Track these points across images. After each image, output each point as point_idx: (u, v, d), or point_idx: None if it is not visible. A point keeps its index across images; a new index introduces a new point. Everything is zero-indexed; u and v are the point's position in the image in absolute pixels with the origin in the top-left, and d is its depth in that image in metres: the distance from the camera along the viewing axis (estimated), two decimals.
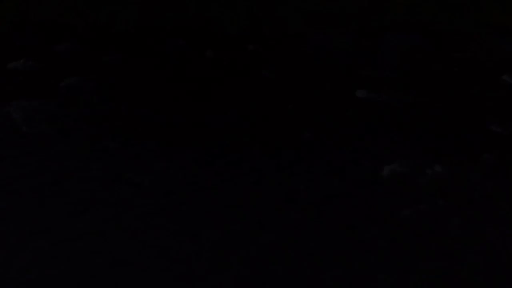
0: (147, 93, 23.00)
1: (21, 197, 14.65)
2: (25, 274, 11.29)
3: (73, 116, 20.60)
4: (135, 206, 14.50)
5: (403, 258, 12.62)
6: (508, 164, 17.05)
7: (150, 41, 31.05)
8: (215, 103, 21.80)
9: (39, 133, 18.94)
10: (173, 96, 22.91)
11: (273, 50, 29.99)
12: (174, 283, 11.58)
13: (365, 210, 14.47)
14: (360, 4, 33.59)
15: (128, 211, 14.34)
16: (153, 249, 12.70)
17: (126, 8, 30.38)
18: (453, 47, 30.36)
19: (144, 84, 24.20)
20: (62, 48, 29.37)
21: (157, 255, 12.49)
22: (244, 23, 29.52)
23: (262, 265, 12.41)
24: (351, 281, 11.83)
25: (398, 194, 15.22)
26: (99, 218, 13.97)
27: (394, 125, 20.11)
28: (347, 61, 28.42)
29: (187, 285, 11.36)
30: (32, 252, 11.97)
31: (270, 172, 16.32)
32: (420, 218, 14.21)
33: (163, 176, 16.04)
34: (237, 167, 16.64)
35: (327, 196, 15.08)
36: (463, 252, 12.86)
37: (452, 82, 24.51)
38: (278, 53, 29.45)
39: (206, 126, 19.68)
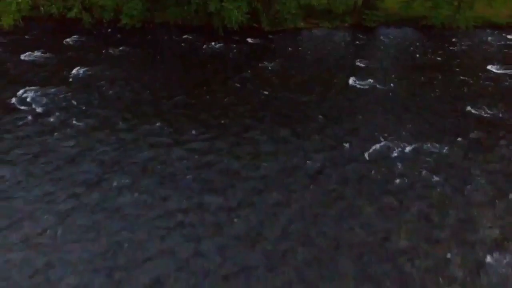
0: (151, 81, 24.48)
1: (37, 172, 16.17)
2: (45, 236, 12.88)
3: (84, 100, 22.09)
4: (141, 178, 16.03)
5: (388, 219, 14.15)
6: (486, 142, 18.54)
7: (155, 35, 32.51)
8: (216, 90, 23.29)
9: (54, 115, 20.46)
10: (176, 83, 24.38)
11: (271, 43, 31.47)
12: (183, 240, 13.15)
13: (353, 181, 15.97)
14: (355, 0, 35.02)
15: (134, 181, 15.87)
16: (162, 215, 14.22)
17: (132, 3, 31.80)
18: (444, 41, 31.81)
19: (148, 72, 25.65)
20: (71, 41, 30.86)
21: (164, 220, 14.05)
22: (244, 18, 31.00)
23: (258, 225, 13.96)
24: (338, 237, 13.36)
25: (385, 167, 16.72)
26: (110, 189, 15.51)
27: (384, 109, 21.58)
28: (342, 53, 29.89)
29: (193, 242, 12.93)
30: (52, 215, 13.55)
31: (267, 146, 17.83)
32: (403, 186, 15.73)
33: (168, 151, 17.55)
34: (237, 142, 18.15)
35: (320, 168, 16.59)
36: (442, 215, 14.41)
37: (442, 72, 25.95)
38: (276, 46, 30.93)
39: (206, 109, 21.18)
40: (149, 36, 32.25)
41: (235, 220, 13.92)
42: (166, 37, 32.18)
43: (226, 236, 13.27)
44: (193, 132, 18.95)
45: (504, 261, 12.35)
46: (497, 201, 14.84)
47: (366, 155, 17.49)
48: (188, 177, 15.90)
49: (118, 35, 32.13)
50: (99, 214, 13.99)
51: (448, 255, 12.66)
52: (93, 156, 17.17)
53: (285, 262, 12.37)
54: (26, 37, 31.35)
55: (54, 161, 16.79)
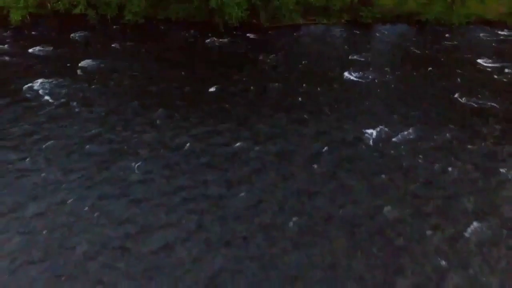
0: (154, 72, 25.58)
1: (50, 156, 17.29)
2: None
3: (90, 90, 23.21)
4: (148, 158, 17.15)
5: (377, 196, 15.27)
6: (471, 127, 19.65)
7: (157, 30, 33.62)
8: (217, 81, 24.37)
9: (62, 104, 21.57)
10: (179, 75, 25.45)
11: (270, 38, 32.57)
12: (187, 213, 14.27)
13: (346, 162, 17.07)
14: None
15: (141, 161, 17.00)
16: (168, 191, 15.33)
17: (135, 0, 32.90)
18: (437, 36, 32.90)
19: (151, 65, 26.76)
20: (77, 36, 31.98)
21: (171, 195, 15.16)
22: (244, 14, 32.11)
23: (257, 200, 15.08)
24: (330, 211, 14.47)
25: (377, 150, 17.83)
26: (119, 169, 16.64)
27: (377, 98, 22.68)
28: (339, 48, 31.01)
29: (197, 215, 14.05)
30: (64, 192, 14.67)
31: (266, 131, 18.95)
32: (393, 166, 16.83)
33: (172, 135, 18.67)
34: (237, 127, 19.28)
35: (315, 150, 17.69)
36: (428, 192, 15.54)
37: (434, 65, 27.04)
38: (274, 41, 32.03)
39: (208, 98, 22.30)
40: (152, 32, 33.35)
41: (235, 196, 15.02)
42: (168, 33, 33.28)
43: (227, 209, 14.37)
44: (196, 118, 20.07)
45: (482, 232, 13.44)
46: (478, 179, 15.94)
47: (359, 139, 18.61)
48: (192, 157, 17.01)
49: (122, 31, 33.22)
50: (108, 189, 15.10)
51: (433, 227, 13.75)
52: (102, 139, 18.29)
53: (281, 232, 13.47)
54: (33, 32, 32.46)
55: (65, 143, 17.92)
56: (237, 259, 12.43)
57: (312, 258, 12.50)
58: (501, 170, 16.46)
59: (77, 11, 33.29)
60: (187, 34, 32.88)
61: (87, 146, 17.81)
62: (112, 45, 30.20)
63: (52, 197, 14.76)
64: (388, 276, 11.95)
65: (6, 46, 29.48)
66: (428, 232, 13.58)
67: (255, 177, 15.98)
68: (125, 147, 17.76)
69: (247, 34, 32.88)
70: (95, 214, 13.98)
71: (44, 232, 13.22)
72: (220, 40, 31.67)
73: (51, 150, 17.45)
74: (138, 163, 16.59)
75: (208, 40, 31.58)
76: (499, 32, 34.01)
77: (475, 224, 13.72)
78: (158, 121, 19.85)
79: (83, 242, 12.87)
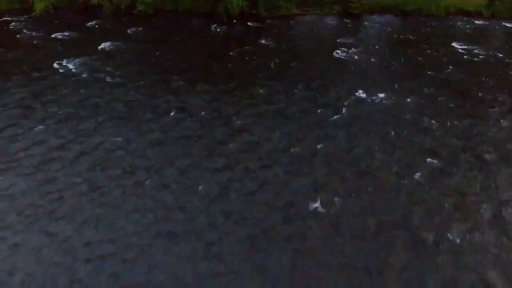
0: (165, 54, 29.08)
1: (86, 111, 20.81)
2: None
3: (108, 69, 26.61)
4: (157, 123, 20.65)
5: (354, 141, 18.71)
6: (439, 96, 23.15)
7: (166, 20, 37.16)
8: (220, 61, 27.89)
9: (89, 75, 25.09)
10: (186, 56, 28.97)
11: (268, 26, 36.09)
12: (199, 172, 17.63)
13: (330, 117, 20.53)
14: None
15: (149, 126, 20.48)
16: (179, 154, 18.80)
17: None
18: (419, 25, 36.45)
19: (162, 48, 30.23)
20: (94, 24, 35.52)
21: (183, 157, 18.61)
22: (244, 5, 35.72)
23: (253, 146, 18.52)
24: (315, 151, 17.92)
25: (354, 109, 21.30)
26: (140, 121, 20.13)
27: (362, 73, 26.16)
28: (330, 34, 34.55)
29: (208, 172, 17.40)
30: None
31: (263, 97, 22.49)
32: (372, 120, 20.33)
33: (182, 105, 22.20)
34: (239, 96, 22.80)
35: (304, 109, 21.20)
36: (398, 136, 18.99)
37: (413, 48, 30.54)
38: (272, 28, 35.54)
39: (213, 74, 25.85)
40: (161, 21, 36.91)
41: (239, 138, 18.51)
42: (176, 22, 36.82)
43: (233, 144, 17.87)
44: (204, 84, 23.59)
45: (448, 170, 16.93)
46: (436, 132, 19.44)
47: (339, 100, 22.13)
48: (203, 110, 20.54)
49: (134, 20, 36.75)
50: (121, 152, 18.43)
51: (397, 158, 17.19)
52: (119, 105, 21.80)
53: (274, 161, 16.94)
54: (55, 21, 35.99)
55: (96, 102, 21.48)
56: (241, 181, 15.89)
57: (299, 180, 15.97)
58: (454, 117, 19.97)
59: (94, 2, 36.85)
60: (192, 23, 36.43)
61: (113, 104, 21.37)
62: (126, 32, 33.73)
63: (93, 139, 18.28)
64: (352, 190, 15.41)
65: (33, 32, 32.99)
66: (391, 161, 17.03)
67: (255, 126, 19.49)
68: (137, 111, 21.27)
69: (247, 23, 36.42)
70: (131, 147, 17.50)
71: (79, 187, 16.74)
72: (223, 27, 35.23)
73: (87, 107, 21.03)
74: (146, 126, 19.92)
75: (212, 28, 35.13)
76: (476, 21, 37.58)
77: (429, 160, 17.21)
78: (166, 94, 23.28)
79: (125, 164, 16.38)
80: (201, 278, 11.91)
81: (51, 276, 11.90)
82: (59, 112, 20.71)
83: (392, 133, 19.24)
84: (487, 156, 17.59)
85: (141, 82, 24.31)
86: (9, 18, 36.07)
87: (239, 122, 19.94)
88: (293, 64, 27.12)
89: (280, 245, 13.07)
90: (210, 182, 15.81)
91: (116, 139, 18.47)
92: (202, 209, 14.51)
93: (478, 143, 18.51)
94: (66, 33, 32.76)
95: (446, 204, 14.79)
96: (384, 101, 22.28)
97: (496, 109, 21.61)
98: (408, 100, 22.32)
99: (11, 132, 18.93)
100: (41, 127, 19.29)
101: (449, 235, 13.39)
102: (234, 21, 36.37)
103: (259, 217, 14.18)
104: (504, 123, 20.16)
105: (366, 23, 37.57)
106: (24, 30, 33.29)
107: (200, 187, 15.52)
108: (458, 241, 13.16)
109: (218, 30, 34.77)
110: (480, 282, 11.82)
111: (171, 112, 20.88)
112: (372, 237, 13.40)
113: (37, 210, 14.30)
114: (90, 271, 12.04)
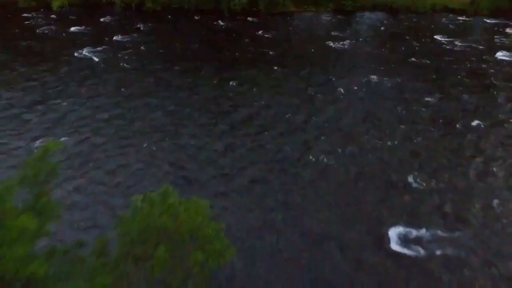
0: (172, 45, 32.11)
1: (109, 87, 23.75)
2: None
3: (123, 56, 29.61)
4: (169, 100, 23.63)
5: (340, 114, 21.66)
6: (420, 76, 26.16)
7: (173, 16, 40.22)
8: (224, 51, 30.91)
9: (106, 62, 28.07)
10: (192, 46, 32.01)
11: (267, 22, 39.15)
12: (213, 137, 20.51)
13: (322, 93, 23.52)
14: None
15: (163, 102, 23.44)
16: (192, 125, 21.72)
17: None
18: (405, 20, 39.55)
19: (170, 40, 33.26)
20: (106, 20, 38.57)
21: (195, 127, 21.48)
22: (245, 2, 38.89)
23: (254, 116, 21.45)
24: (306, 118, 20.85)
25: (343, 89, 24.30)
26: (155, 97, 23.07)
27: (353, 60, 29.18)
28: (324, 28, 37.60)
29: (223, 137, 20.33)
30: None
31: (263, 79, 25.52)
32: (360, 94, 23.30)
33: (191, 86, 25.18)
34: (242, 77, 25.82)
35: (302, 88, 24.20)
36: (384, 107, 21.90)
37: (399, 39, 33.58)
38: (271, 24, 38.60)
39: (217, 62, 28.85)
40: (168, 17, 39.98)
41: (242, 108, 21.49)
42: (182, 18, 39.89)
43: (237, 112, 20.83)
44: (207, 73, 26.59)
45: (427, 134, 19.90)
46: (412, 105, 22.42)
47: (334, 83, 25.10)
48: (211, 90, 23.53)
49: (143, 16, 39.82)
50: (139, 121, 21.45)
51: (381, 131, 20.11)
52: (136, 84, 24.78)
53: (273, 124, 19.89)
54: (71, 17, 39.04)
55: (115, 84, 24.45)
56: (243, 142, 18.83)
57: (292, 140, 18.92)
58: (428, 94, 22.96)
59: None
60: (198, 19, 39.49)
61: (131, 84, 24.36)
62: (137, 26, 36.77)
63: (121, 108, 21.25)
64: (337, 148, 18.34)
65: (52, 26, 36.01)
66: (372, 127, 19.96)
67: (254, 100, 22.49)
68: (159, 84, 24.28)
69: (248, 18, 39.51)
70: (148, 116, 20.46)
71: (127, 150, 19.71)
72: (226, 22, 38.30)
73: (108, 86, 24.02)
74: (168, 92, 23.01)
75: (216, 23, 38.21)
76: (459, 18, 40.71)
77: (403, 126, 20.19)
78: (181, 68, 26.29)
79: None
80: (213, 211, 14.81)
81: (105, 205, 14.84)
82: (87, 89, 23.73)
83: (375, 106, 22.21)
84: (452, 123, 20.56)
85: (153, 67, 27.31)
86: (29, 15, 39.10)
87: (240, 97, 22.94)
88: (289, 52, 30.19)
89: (276, 186, 15.97)
90: (216, 143, 18.73)
91: (137, 109, 21.46)
92: (211, 161, 17.45)
93: (446, 113, 21.50)
94: (82, 28, 35.78)
95: (413, 157, 17.75)
96: (370, 82, 25.26)
97: (463, 88, 24.62)
98: (391, 81, 25.32)
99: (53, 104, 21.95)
100: (74, 100, 22.33)
101: (413, 179, 16.32)
102: (236, 17, 39.45)
103: (259, 167, 17.07)
104: (468, 97, 23.18)
105: (357, 19, 40.69)
106: (44, 25, 36.30)
107: (208, 146, 18.47)
108: (421, 184, 16.08)
109: (221, 24, 37.83)
110: (439, 217, 14.73)
111: (181, 90, 23.89)
112: (352, 182, 16.31)
113: (89, 158, 17.22)
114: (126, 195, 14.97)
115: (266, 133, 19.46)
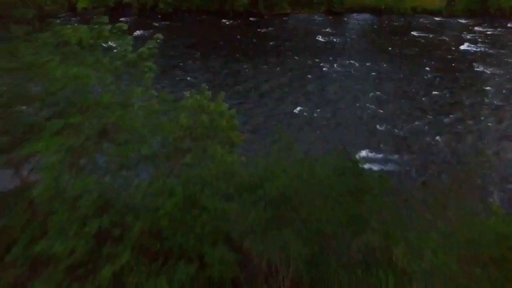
0: (185, 40, 37.31)
1: None
2: None
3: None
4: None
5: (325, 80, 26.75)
6: (397, 64, 31.35)
7: (183, 16, 45.53)
8: (229, 44, 36.09)
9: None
10: (200, 42, 37.21)
11: (266, 21, 44.49)
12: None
13: (313, 83, 28.64)
14: None
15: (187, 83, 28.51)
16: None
17: None
18: (388, 20, 44.93)
19: (182, 36, 38.48)
20: (124, 19, 43.75)
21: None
22: (246, 3, 44.36)
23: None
24: (306, 89, 25.97)
25: (333, 75, 29.46)
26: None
27: (341, 52, 34.38)
28: (317, 27, 42.91)
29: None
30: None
31: (261, 64, 30.64)
32: (350, 84, 28.45)
33: (201, 73, 30.31)
34: (244, 65, 30.96)
35: (291, 77, 29.37)
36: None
37: (381, 35, 38.86)
38: (269, 23, 43.93)
39: (223, 52, 34.00)
40: (180, 17, 45.30)
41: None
42: (191, 18, 45.21)
43: (240, 90, 25.89)
44: (215, 63, 31.73)
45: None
46: (387, 84, 27.54)
47: (323, 69, 30.25)
48: (215, 79, 28.64)
49: (157, 16, 45.15)
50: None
51: (359, 101, 25.14)
52: (170, 70, 29.86)
53: (268, 95, 24.93)
54: (94, 16, 44.16)
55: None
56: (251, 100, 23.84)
57: (288, 99, 23.95)
58: (402, 77, 28.09)
59: (125, 1, 45.30)
60: (204, 19, 44.83)
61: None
62: (153, 24, 42.02)
63: None
64: (322, 104, 23.36)
65: (76, 25, 41.14)
66: (354, 98, 24.99)
67: (255, 79, 27.60)
68: (175, 67, 29.36)
69: (250, 19, 44.85)
70: None
71: None
72: (229, 22, 43.60)
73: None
74: (185, 73, 28.04)
75: (221, 23, 43.51)
76: (436, 18, 46.12)
77: (371, 94, 25.27)
78: (192, 58, 31.41)
79: None
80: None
81: None
82: None
83: (357, 86, 27.29)
84: (419, 92, 25.67)
85: (169, 54, 32.47)
86: (55, 17, 44.31)
87: (243, 77, 28.06)
88: (286, 46, 35.41)
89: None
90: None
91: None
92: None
93: (412, 86, 26.63)
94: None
95: (380, 109, 22.81)
96: (352, 65, 30.40)
97: (430, 69, 29.78)
98: (373, 68, 30.46)
99: None
100: None
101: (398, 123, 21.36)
102: (239, 18, 44.78)
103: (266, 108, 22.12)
104: (432, 76, 28.35)
105: (346, 19, 46.10)
106: (70, 24, 41.43)
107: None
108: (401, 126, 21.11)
109: (225, 24, 43.11)
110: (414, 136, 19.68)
111: (194, 72, 29.03)
112: (334, 126, 21.33)
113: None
114: None
115: (263, 99, 24.53)
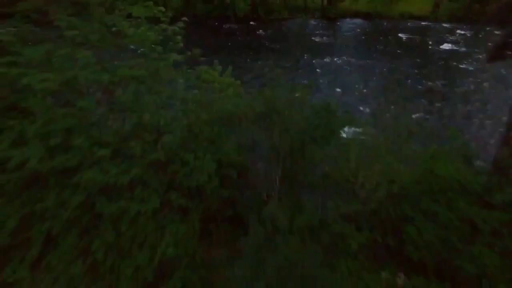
0: (190, 41, 40.91)
1: None
2: None
3: None
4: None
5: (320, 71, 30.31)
6: (388, 60, 34.93)
7: (188, 21, 49.16)
8: (230, 46, 39.68)
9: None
10: (205, 42, 40.82)
11: (265, 25, 48.22)
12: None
13: (308, 76, 32.18)
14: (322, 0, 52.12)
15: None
16: None
17: (175, 0, 48.77)
18: (377, 24, 48.70)
19: (188, 38, 42.09)
20: None
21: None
22: (247, 9, 48.11)
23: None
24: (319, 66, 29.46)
25: (327, 68, 33.02)
26: None
27: (334, 52, 37.97)
28: (311, 30, 46.66)
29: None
30: None
31: (263, 55, 34.20)
32: (342, 77, 32.00)
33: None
34: (246, 61, 34.50)
35: (289, 73, 32.92)
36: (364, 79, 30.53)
37: (370, 37, 42.54)
38: (268, 26, 47.66)
39: (227, 50, 37.59)
40: (185, 22, 48.96)
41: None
42: (196, 22, 48.87)
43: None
44: (226, 55, 35.26)
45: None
46: (373, 77, 31.06)
47: (318, 65, 33.79)
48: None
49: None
50: None
51: (353, 88, 28.60)
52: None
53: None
54: None
55: None
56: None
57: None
58: (390, 72, 31.61)
59: None
60: (209, 23, 48.52)
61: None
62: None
63: None
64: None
65: None
66: (350, 88, 28.44)
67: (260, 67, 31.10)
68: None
69: (250, 23, 48.59)
70: None
71: None
72: (232, 26, 47.32)
73: None
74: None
75: (224, 27, 47.22)
76: (422, 23, 49.96)
77: (359, 85, 28.75)
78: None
79: None
80: None
81: None
82: None
83: (348, 79, 30.82)
84: (397, 87, 29.17)
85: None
86: None
87: (244, 70, 31.58)
88: (283, 46, 39.06)
89: None
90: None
91: None
92: None
93: (395, 81, 30.17)
94: None
95: (364, 88, 26.23)
96: (343, 60, 33.97)
97: (411, 64, 33.35)
98: (362, 63, 34.05)
99: None
100: None
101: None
102: (240, 22, 48.53)
103: None
104: (411, 70, 31.90)
105: (339, 23, 49.90)
106: None
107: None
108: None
109: (228, 28, 46.82)
110: None
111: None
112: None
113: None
114: None
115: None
